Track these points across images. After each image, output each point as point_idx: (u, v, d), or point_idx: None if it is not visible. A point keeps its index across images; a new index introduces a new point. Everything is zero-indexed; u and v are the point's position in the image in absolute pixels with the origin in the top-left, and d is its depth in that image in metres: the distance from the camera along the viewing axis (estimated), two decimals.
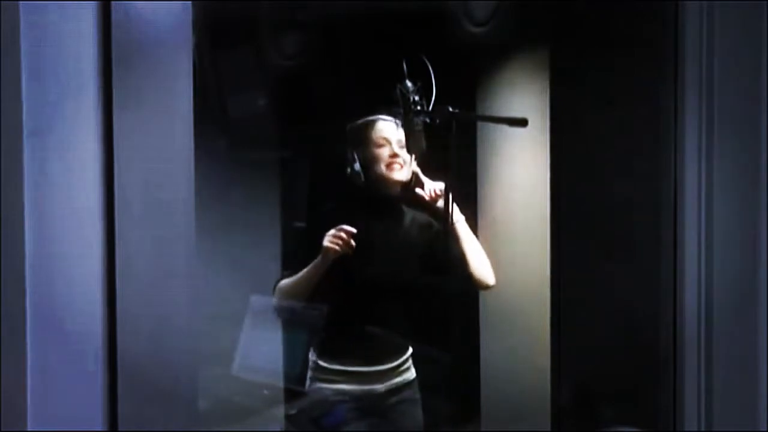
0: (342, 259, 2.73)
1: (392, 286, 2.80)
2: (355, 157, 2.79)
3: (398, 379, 2.89)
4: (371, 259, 2.80)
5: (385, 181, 2.78)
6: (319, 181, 4.14)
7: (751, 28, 2.09)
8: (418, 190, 2.81)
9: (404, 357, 2.91)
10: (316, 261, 2.72)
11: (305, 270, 2.74)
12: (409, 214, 2.88)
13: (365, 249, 2.79)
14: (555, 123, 3.62)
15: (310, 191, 4.19)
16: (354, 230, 2.67)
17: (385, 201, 2.82)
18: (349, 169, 2.80)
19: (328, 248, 2.68)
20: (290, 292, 2.77)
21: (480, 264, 2.89)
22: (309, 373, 2.89)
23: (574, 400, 3.68)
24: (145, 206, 1.37)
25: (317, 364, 2.86)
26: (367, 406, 2.85)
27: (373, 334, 2.83)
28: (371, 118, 2.83)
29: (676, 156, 2.24)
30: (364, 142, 2.80)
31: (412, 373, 2.95)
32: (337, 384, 2.84)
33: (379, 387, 2.85)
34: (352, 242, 2.67)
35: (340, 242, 2.67)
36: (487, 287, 2.94)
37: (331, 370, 2.84)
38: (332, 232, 2.68)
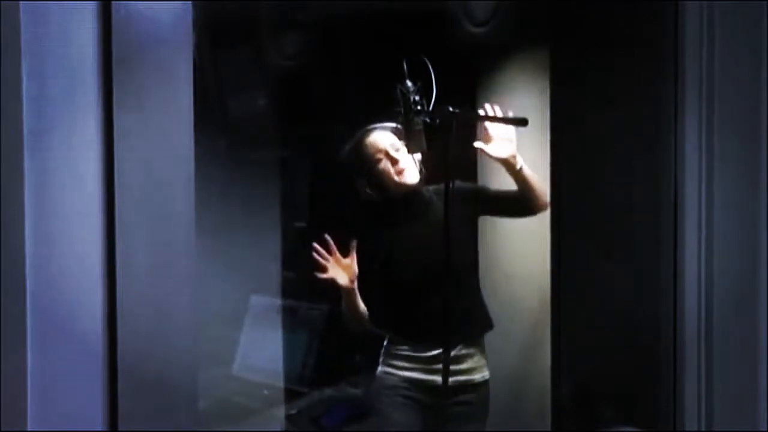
0: (397, 260, 2.75)
1: (453, 266, 2.75)
2: (364, 180, 2.78)
3: (463, 378, 2.80)
4: (422, 252, 2.78)
5: (400, 188, 2.77)
6: (319, 181, 4.15)
7: (751, 28, 2.09)
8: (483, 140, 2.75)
9: (471, 349, 2.82)
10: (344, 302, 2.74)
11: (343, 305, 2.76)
12: (433, 196, 2.85)
13: (412, 248, 2.78)
14: (555, 123, 3.62)
15: (311, 191, 4.20)
16: (326, 244, 2.66)
17: (405, 201, 2.81)
18: (363, 195, 2.80)
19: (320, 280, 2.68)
20: (350, 318, 2.77)
21: (543, 188, 2.90)
22: (381, 358, 2.86)
23: (574, 400, 3.68)
24: (146, 206, 1.37)
25: (388, 349, 2.83)
26: (429, 400, 2.79)
27: (435, 322, 2.75)
28: (357, 137, 2.81)
29: (676, 156, 2.24)
30: (363, 162, 2.78)
31: (481, 375, 2.85)
32: (405, 371, 2.80)
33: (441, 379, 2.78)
34: (326, 253, 2.66)
35: (319, 265, 2.66)
36: (545, 205, 2.93)
37: (400, 356, 2.81)
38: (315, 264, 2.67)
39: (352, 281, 2.69)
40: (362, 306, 2.74)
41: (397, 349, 2.81)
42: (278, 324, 3.77)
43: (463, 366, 2.79)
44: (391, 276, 2.76)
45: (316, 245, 2.64)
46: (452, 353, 2.70)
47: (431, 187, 2.84)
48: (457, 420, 2.76)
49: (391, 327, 2.82)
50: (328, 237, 2.65)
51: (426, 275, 2.74)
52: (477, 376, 2.84)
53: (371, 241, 2.80)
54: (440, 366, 2.59)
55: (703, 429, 2.20)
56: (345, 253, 2.67)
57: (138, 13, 1.35)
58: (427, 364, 2.78)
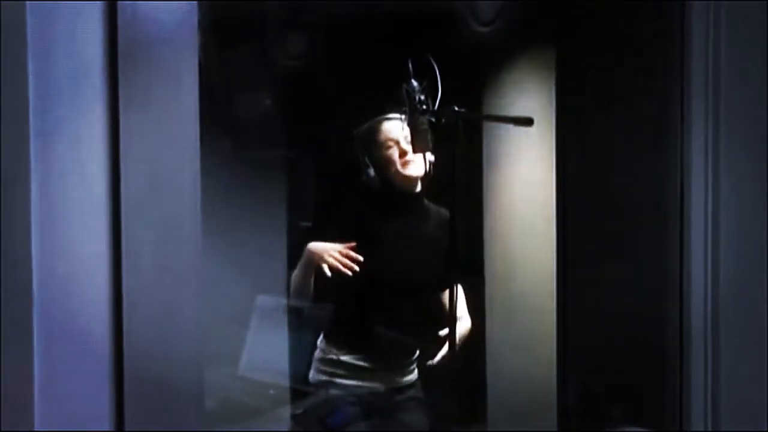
0: (367, 257, 2.74)
1: (416, 283, 2.79)
2: (368, 161, 2.79)
3: (399, 379, 2.88)
4: (396, 256, 2.80)
5: (402, 180, 2.78)
6: (325, 180, 4.15)
7: (758, 28, 2.09)
8: None
9: (411, 358, 2.90)
10: (304, 263, 2.75)
11: (297, 270, 2.76)
12: (433, 209, 2.86)
13: (390, 246, 2.79)
14: (561, 123, 3.62)
15: (317, 191, 4.20)
16: (358, 258, 2.68)
17: (406, 198, 2.82)
18: (364, 175, 2.81)
19: (328, 264, 2.69)
20: (293, 288, 2.80)
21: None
22: (314, 363, 2.88)
23: (580, 399, 3.68)
24: (152, 206, 1.37)
25: (324, 353, 2.86)
26: (370, 403, 2.84)
27: (386, 333, 2.81)
28: (376, 120, 2.82)
29: (682, 155, 2.24)
30: (373, 146, 2.80)
31: (414, 375, 2.94)
32: (340, 378, 2.83)
33: (381, 386, 2.84)
34: (352, 267, 2.68)
35: (340, 264, 2.69)
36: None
37: (336, 362, 2.83)
38: (339, 253, 2.69)
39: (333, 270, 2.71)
40: (310, 287, 2.77)
41: (335, 354, 2.84)
42: (285, 324, 3.77)
43: (404, 371, 2.89)
44: (365, 275, 2.75)
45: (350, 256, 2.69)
46: (396, 366, 2.85)
47: (433, 206, 2.86)
48: (406, 414, 2.86)
49: (337, 336, 2.85)
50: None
51: (395, 282, 2.77)
52: (412, 377, 2.93)
53: (360, 235, 2.82)
54: (376, 376, 2.81)
55: (710, 429, 2.19)
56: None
57: (144, 13, 1.35)
58: (362, 373, 2.82)
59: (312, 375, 2.89)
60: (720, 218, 2.15)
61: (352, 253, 2.69)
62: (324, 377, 2.85)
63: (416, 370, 2.95)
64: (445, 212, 2.83)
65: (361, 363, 2.83)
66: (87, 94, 1.29)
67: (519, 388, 3.70)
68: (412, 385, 2.92)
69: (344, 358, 2.83)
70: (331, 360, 2.84)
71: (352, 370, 2.83)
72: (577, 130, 3.59)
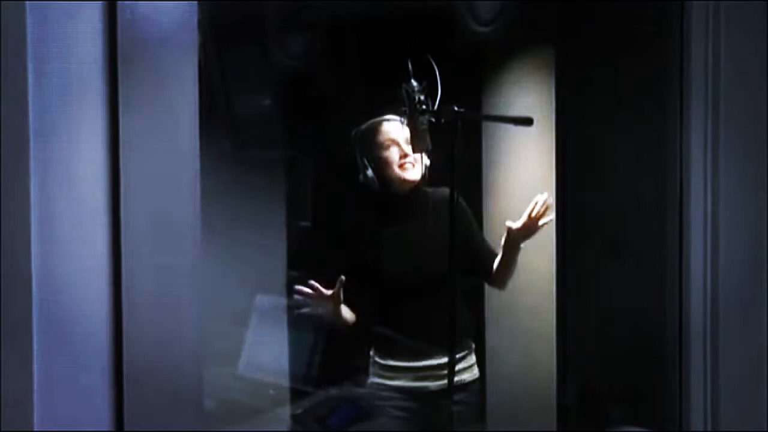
0: (379, 261, 2.76)
1: (432, 278, 2.76)
2: (366, 162, 2.78)
3: (454, 378, 2.81)
4: (404, 256, 2.80)
5: (399, 183, 2.77)
6: (325, 180, 4.15)
7: (757, 28, 2.09)
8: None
9: (457, 355, 2.78)
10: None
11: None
12: (430, 200, 2.84)
13: (396, 248, 2.79)
14: (560, 122, 3.62)
15: (317, 191, 4.20)
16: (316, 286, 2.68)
17: (403, 199, 2.81)
18: (362, 176, 2.80)
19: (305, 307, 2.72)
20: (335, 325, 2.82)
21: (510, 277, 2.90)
22: (370, 369, 2.88)
23: (579, 399, 3.68)
24: (151, 206, 1.37)
25: (375, 360, 2.86)
26: (421, 405, 2.81)
27: (419, 329, 2.79)
28: (375, 120, 2.81)
29: (682, 155, 2.24)
30: (372, 146, 2.79)
31: (471, 374, 2.88)
32: (393, 380, 2.83)
33: (432, 384, 2.81)
34: (322, 291, 2.68)
35: (307, 299, 2.70)
36: (501, 287, 2.95)
37: (386, 366, 2.83)
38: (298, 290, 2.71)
39: (333, 311, 2.72)
40: (348, 317, 2.78)
41: (385, 360, 2.83)
42: (284, 323, 3.78)
43: (454, 369, 2.80)
44: (379, 278, 2.77)
45: (298, 287, 2.69)
46: (440, 361, 2.76)
47: (430, 189, 2.84)
48: (452, 420, 2.77)
49: (378, 342, 2.85)
50: (312, 282, 2.67)
51: (414, 279, 2.76)
52: (466, 376, 2.86)
53: (363, 238, 2.82)
54: (429, 373, 2.75)
55: (710, 429, 2.19)
56: (331, 286, 2.69)
57: (143, 13, 1.35)
58: (417, 373, 2.80)
59: (368, 381, 2.89)
60: (720, 217, 2.15)
61: (309, 287, 2.69)
62: (377, 380, 2.85)
63: (473, 370, 2.90)
64: (442, 194, 2.78)
65: (403, 364, 2.82)
66: (87, 94, 1.29)
67: (519, 388, 3.70)
68: (465, 387, 2.84)
69: (388, 362, 2.83)
70: (380, 364, 2.84)
71: (399, 372, 2.82)
72: (577, 130, 3.59)
